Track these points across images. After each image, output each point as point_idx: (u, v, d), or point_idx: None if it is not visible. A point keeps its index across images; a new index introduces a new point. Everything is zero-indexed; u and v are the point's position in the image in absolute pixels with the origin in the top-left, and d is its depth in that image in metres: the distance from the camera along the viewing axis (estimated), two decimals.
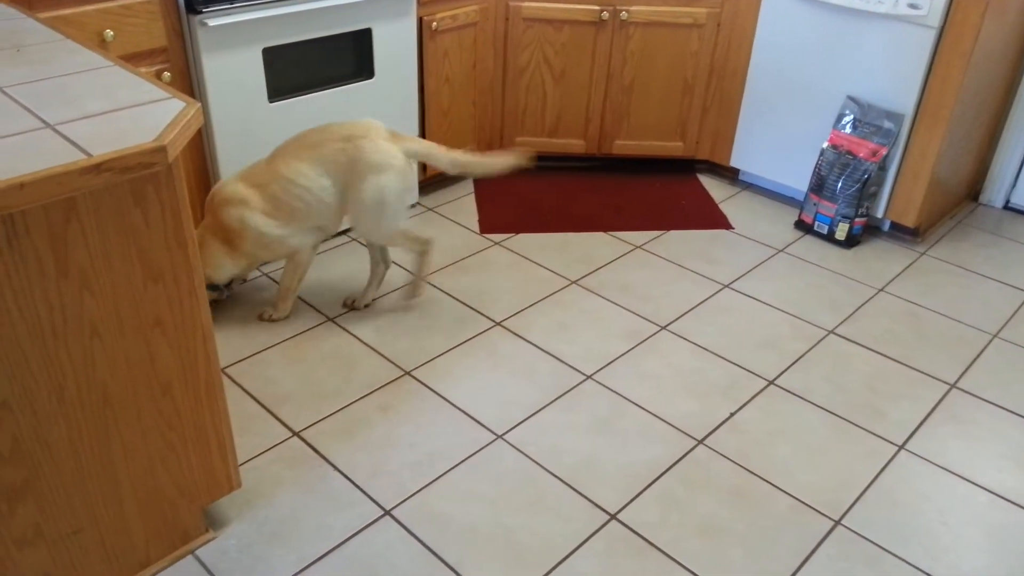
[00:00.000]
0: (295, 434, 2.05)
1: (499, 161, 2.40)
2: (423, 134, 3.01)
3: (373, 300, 2.55)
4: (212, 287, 2.39)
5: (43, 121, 1.25)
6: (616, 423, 2.13)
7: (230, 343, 2.37)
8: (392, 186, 2.27)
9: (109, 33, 2.07)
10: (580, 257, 2.86)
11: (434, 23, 2.82)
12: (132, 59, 2.17)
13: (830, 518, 1.88)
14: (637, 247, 2.95)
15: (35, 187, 1.09)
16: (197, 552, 1.73)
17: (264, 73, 2.43)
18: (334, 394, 2.18)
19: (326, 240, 2.70)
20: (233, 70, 2.35)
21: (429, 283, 2.67)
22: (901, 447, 2.09)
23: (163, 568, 1.68)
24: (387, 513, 1.84)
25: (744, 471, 2.00)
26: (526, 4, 3.03)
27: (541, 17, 3.07)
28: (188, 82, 2.32)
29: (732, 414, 2.18)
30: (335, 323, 2.46)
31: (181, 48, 2.26)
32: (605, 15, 3.05)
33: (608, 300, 2.64)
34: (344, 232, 2.92)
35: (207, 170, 2.48)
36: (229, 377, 2.23)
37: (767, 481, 1.97)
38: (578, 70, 3.18)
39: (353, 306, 2.52)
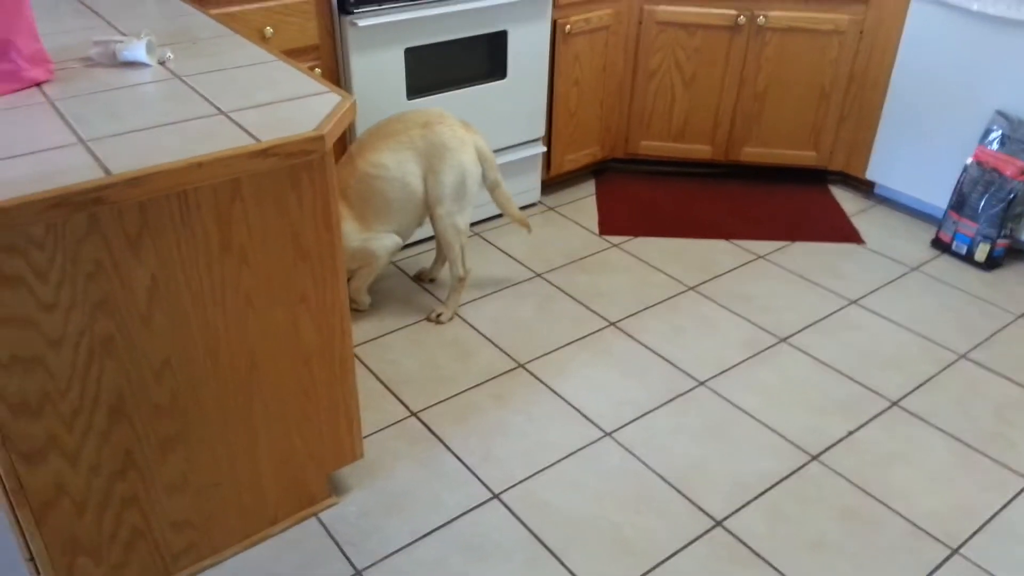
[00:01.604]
0: (413, 414, 2.16)
1: (515, 211, 2.56)
2: (549, 134, 3.08)
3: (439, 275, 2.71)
4: None
5: (218, 108, 1.38)
6: (727, 431, 2.12)
7: (358, 326, 2.51)
8: (471, 167, 2.33)
9: (269, 30, 2.24)
10: (699, 264, 2.85)
11: (568, 26, 2.88)
12: (287, 54, 2.33)
13: (947, 546, 1.81)
14: (760, 257, 2.91)
15: (210, 167, 1.22)
16: (320, 515, 1.85)
17: (405, 71, 2.55)
18: (451, 380, 2.28)
19: (403, 248, 2.79)
20: (377, 68, 2.49)
21: (546, 280, 2.73)
22: None
23: (289, 527, 1.82)
24: (496, 496, 1.91)
25: (859, 491, 1.95)
26: (661, 8, 3.04)
27: (675, 21, 3.07)
28: (336, 78, 2.48)
29: (850, 432, 2.13)
30: (457, 314, 2.56)
31: (332, 46, 2.42)
32: (742, 20, 3.02)
33: (726, 308, 2.62)
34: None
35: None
36: (356, 356, 2.37)
37: (883, 503, 1.92)
38: (709, 75, 3.16)
39: (421, 278, 2.69)
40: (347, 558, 1.76)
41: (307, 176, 1.48)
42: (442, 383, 2.27)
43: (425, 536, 1.81)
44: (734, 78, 3.15)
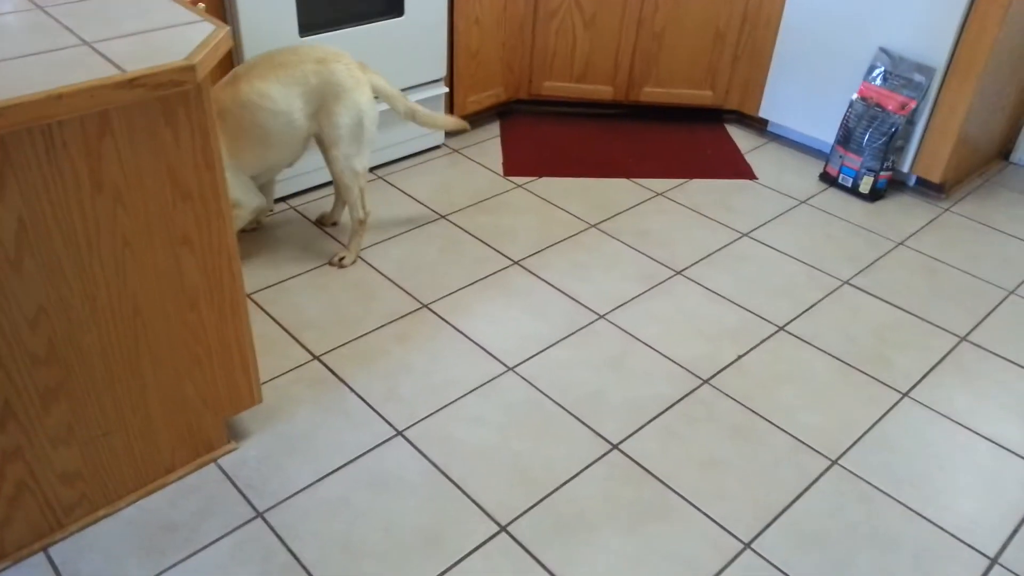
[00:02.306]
0: (315, 357, 2.15)
1: (447, 121, 2.58)
2: (451, 75, 3.04)
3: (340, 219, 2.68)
4: None
5: (81, 39, 1.31)
6: (624, 361, 2.19)
7: (257, 272, 2.46)
8: (369, 108, 2.29)
9: None
10: (601, 202, 2.90)
11: None
12: None
13: (827, 457, 1.93)
14: (658, 194, 2.97)
15: (72, 99, 1.16)
16: (219, 461, 1.84)
17: (296, 6, 2.47)
18: (354, 322, 2.27)
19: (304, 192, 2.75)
20: (266, 2, 2.39)
21: (451, 221, 2.73)
22: (905, 395, 2.13)
23: (187, 474, 1.80)
24: (399, 433, 1.93)
25: (746, 410, 2.05)
26: None
27: None
28: (221, 12, 2.38)
29: (739, 356, 2.23)
30: (360, 257, 2.54)
31: None
32: None
33: (625, 244, 2.68)
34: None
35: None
36: (255, 302, 2.33)
37: (768, 421, 2.03)
38: (609, 15, 3.17)
39: (323, 222, 2.67)
40: (248, 501, 1.75)
41: (183, 111, 1.43)
42: (345, 326, 2.26)
43: (328, 476, 1.82)
44: (632, 18, 3.17)
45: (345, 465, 1.84)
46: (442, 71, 2.96)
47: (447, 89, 3.03)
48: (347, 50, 2.65)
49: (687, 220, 2.83)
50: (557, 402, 2.05)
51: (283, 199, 2.80)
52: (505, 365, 2.15)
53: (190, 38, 1.33)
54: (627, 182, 3.04)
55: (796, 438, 1.98)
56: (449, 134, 3.24)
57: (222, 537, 1.67)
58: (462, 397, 2.04)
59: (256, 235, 2.61)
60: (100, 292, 1.48)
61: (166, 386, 1.67)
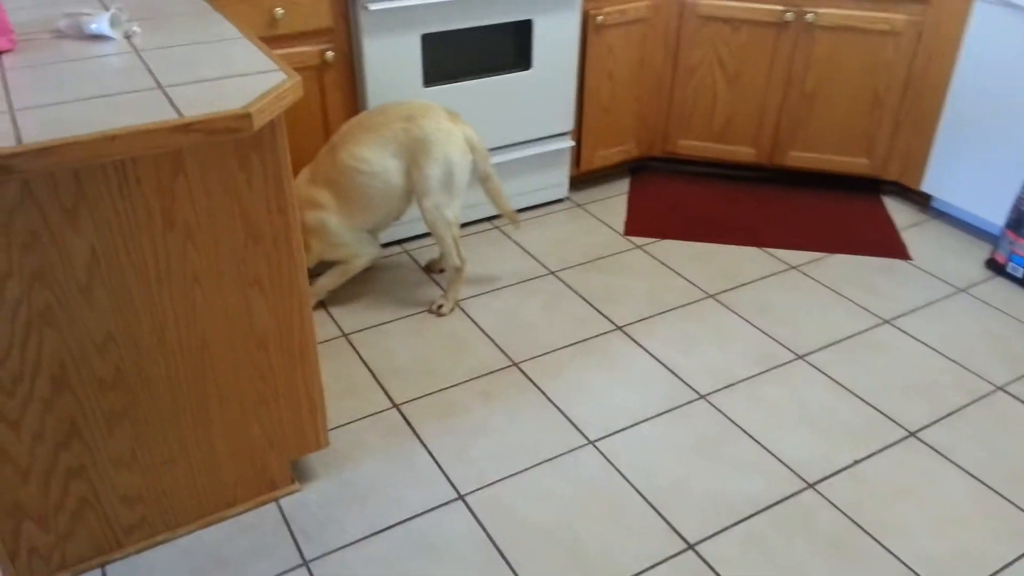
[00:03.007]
0: (395, 406, 2.11)
1: (507, 206, 2.50)
2: (579, 128, 2.98)
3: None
4: None
5: (157, 83, 1.37)
6: (719, 449, 1.99)
7: (359, 313, 2.48)
8: (459, 159, 2.27)
9: (279, 11, 2.23)
10: (725, 271, 2.70)
11: (600, 17, 2.77)
12: (300, 37, 2.32)
13: None
14: (792, 267, 2.74)
15: (127, 140, 1.20)
16: (281, 501, 1.83)
17: (421, 58, 2.51)
18: (442, 373, 2.22)
19: (415, 239, 2.75)
20: (392, 53, 2.45)
21: (559, 278, 2.64)
22: None
23: (247, 510, 1.80)
24: (460, 498, 1.85)
25: (853, 526, 1.79)
26: (703, 1, 2.90)
27: (718, 16, 2.92)
28: (350, 63, 2.45)
29: (856, 461, 1.97)
30: (459, 306, 2.50)
31: (345, 29, 2.39)
32: (789, 16, 2.84)
33: (743, 319, 2.47)
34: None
35: None
36: (350, 343, 2.34)
37: (878, 541, 1.76)
38: (754, 74, 2.99)
39: (431, 268, 2.67)
40: (298, 547, 1.73)
41: (256, 157, 1.45)
42: (432, 376, 2.22)
43: (380, 532, 1.76)
44: (781, 78, 2.98)
45: (399, 524, 1.78)
46: (569, 124, 2.91)
47: (573, 143, 2.97)
48: (471, 102, 2.66)
49: (820, 298, 2.57)
50: (634, 485, 1.88)
51: (397, 242, 2.83)
52: (586, 437, 2.02)
53: (258, 86, 1.34)
54: (758, 251, 2.82)
55: (909, 567, 1.70)
56: (573, 187, 3.17)
57: None
58: (534, 467, 1.93)
59: (365, 276, 2.65)
60: (168, 325, 1.51)
61: (231, 423, 1.69)
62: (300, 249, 1.60)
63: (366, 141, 2.26)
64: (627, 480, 1.90)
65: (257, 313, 1.60)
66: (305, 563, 1.69)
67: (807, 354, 2.33)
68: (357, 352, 2.31)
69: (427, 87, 2.57)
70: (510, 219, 2.55)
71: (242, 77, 1.39)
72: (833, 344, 2.37)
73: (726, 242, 2.87)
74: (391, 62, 2.46)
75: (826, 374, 2.25)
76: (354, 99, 2.51)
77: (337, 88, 2.46)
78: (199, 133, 1.24)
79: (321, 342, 2.35)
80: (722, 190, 3.20)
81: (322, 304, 2.50)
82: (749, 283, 2.65)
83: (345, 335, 2.38)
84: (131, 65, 1.44)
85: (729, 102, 3.07)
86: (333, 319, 2.45)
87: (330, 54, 2.37)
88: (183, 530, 1.75)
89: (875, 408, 2.13)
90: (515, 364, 2.27)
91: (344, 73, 2.45)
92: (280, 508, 1.82)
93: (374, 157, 2.25)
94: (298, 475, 1.89)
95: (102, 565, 1.68)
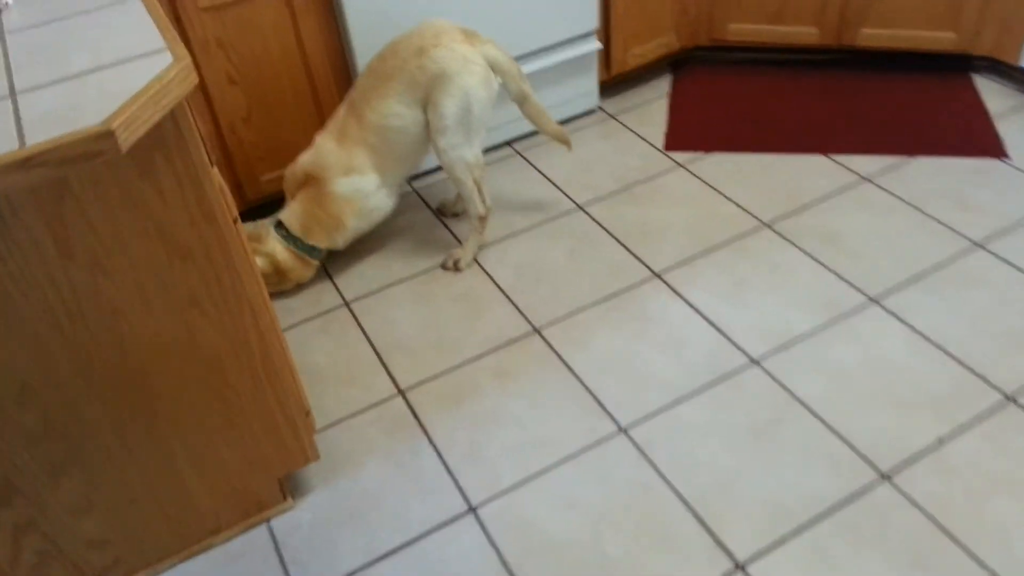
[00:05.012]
0: (400, 392, 1.87)
1: (553, 128, 2.15)
2: (606, 26, 2.53)
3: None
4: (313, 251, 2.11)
5: (10, 87, 1.05)
6: (776, 433, 1.69)
7: (363, 272, 2.20)
8: (478, 90, 1.93)
9: None
10: (784, 189, 2.30)
11: None
12: None
13: None
14: (864, 179, 2.31)
15: None
16: (272, 521, 1.63)
17: None
18: (452, 347, 1.95)
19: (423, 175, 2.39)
20: None
21: (588, 214, 2.29)
22: None
23: (235, 535, 1.61)
24: (471, 510, 1.61)
25: (938, 530, 1.50)
26: None
27: None
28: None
29: (942, 441, 1.64)
30: (476, 261, 2.19)
31: None
32: None
33: (806, 253, 2.10)
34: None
35: (346, 67, 2.23)
36: (351, 312, 2.08)
37: (967, 551, 1.46)
38: None
39: (443, 212, 2.37)
40: None
41: (163, 160, 1.14)
42: (441, 351, 1.95)
43: (379, 560, 1.55)
44: None
45: (402, 548, 1.57)
46: (594, 22, 2.46)
47: (600, 44, 2.53)
48: (479, 5, 2.24)
49: (899, 219, 2.16)
50: (674, 487, 1.61)
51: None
52: (617, 424, 1.74)
53: (136, 81, 1.01)
54: (824, 160, 2.40)
55: None
56: (604, 93, 2.75)
57: None
58: (556, 466, 1.67)
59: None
60: (95, 364, 1.27)
61: (196, 450, 1.46)
62: (244, 259, 1.31)
63: (389, 92, 1.95)
64: (664, 479, 1.63)
65: (202, 335, 1.34)
66: None
67: (882, 296, 1.96)
68: (359, 323, 2.05)
69: None
70: (559, 139, 2.18)
71: (118, 67, 1.06)
72: (913, 281, 1.99)
73: (785, 150, 2.44)
74: None
75: (905, 322, 1.89)
76: (333, 26, 2.13)
77: (310, 13, 2.08)
78: (46, 167, 0.93)
79: (322, 314, 2.10)
80: (780, 82, 2.72)
81: (324, 268, 2.22)
82: (812, 204, 2.25)
83: (347, 303, 2.11)
84: None
85: None
86: (335, 284, 2.18)
87: None
88: (164, 564, 1.57)
89: (966, 366, 1.78)
90: (536, 330, 1.98)
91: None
92: (271, 531, 1.62)
93: (403, 108, 1.96)
94: (292, 488, 1.68)
95: None
